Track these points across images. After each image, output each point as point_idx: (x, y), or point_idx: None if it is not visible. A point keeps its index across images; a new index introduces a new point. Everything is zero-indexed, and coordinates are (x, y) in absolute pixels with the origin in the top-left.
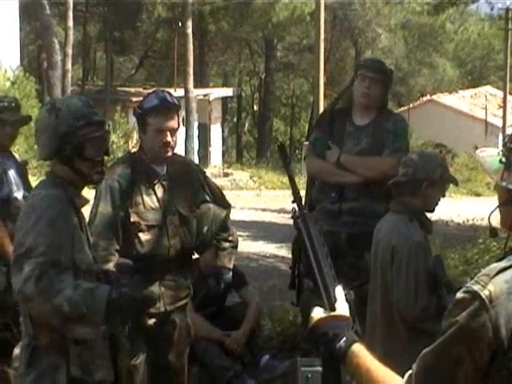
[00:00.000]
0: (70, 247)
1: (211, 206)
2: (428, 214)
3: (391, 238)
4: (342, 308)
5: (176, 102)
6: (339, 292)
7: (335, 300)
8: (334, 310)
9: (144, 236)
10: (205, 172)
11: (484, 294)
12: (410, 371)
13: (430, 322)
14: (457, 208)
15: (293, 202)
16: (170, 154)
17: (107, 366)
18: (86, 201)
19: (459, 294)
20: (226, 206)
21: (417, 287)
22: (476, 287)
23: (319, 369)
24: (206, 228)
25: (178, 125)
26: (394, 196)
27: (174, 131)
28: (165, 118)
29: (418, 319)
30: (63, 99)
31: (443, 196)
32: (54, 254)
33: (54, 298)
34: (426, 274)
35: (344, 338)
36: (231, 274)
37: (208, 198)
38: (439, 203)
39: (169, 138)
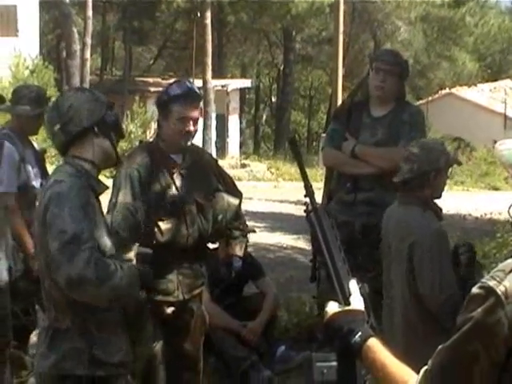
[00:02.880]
0: (96, 233)
1: (224, 194)
2: (445, 208)
3: (411, 231)
4: (357, 302)
5: (198, 91)
6: (353, 286)
7: (349, 294)
8: (348, 304)
9: (164, 225)
10: (217, 161)
11: (500, 289)
12: (425, 367)
13: (454, 313)
14: (475, 202)
15: (305, 196)
16: (189, 142)
17: (127, 347)
18: (105, 187)
19: (474, 290)
20: (238, 195)
21: (442, 274)
22: (491, 283)
23: (334, 364)
24: (220, 216)
25: (200, 115)
26: (403, 191)
27: (196, 121)
28: (189, 106)
29: (443, 307)
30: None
31: (448, 177)
32: (95, 240)
33: (110, 280)
34: (449, 262)
35: (359, 333)
36: (241, 262)
37: (220, 186)
38: (458, 198)
39: (191, 127)
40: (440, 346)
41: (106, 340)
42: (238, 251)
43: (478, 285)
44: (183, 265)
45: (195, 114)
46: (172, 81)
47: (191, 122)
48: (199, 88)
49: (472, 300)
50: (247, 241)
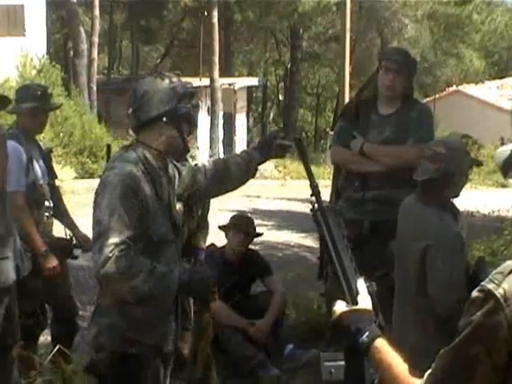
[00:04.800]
0: (142, 221)
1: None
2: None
3: (425, 234)
4: (365, 301)
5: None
6: (361, 285)
7: (357, 293)
8: (356, 303)
9: None
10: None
11: (498, 292)
12: (428, 371)
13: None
14: (482, 199)
15: (311, 195)
16: None
17: (166, 332)
18: (163, 175)
19: (474, 293)
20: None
21: (452, 277)
22: (490, 286)
23: (342, 363)
24: (199, 212)
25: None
26: (423, 189)
27: None
28: None
29: (451, 311)
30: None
31: (467, 178)
32: (130, 231)
33: (131, 280)
34: (464, 267)
35: (367, 333)
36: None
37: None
38: (465, 196)
39: None
40: (442, 350)
41: (143, 321)
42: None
43: (478, 288)
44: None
45: None
46: None
47: None
48: (206, 87)
49: (472, 304)
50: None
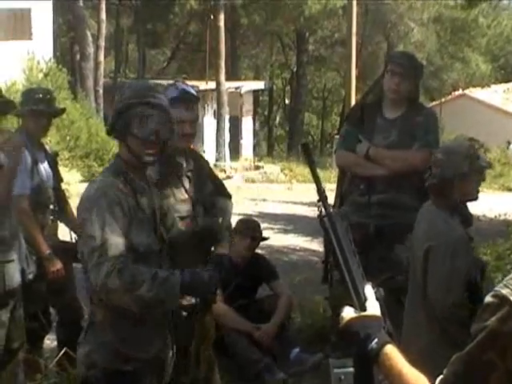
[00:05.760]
0: (127, 232)
1: (219, 198)
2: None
3: (429, 235)
4: (373, 307)
5: (195, 93)
6: (369, 290)
7: (365, 299)
8: (364, 309)
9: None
10: (209, 163)
11: None
12: (440, 376)
13: (457, 324)
14: (489, 203)
15: (318, 200)
16: (189, 144)
17: (162, 343)
18: (144, 188)
19: (488, 298)
20: (230, 197)
21: (450, 279)
22: (505, 291)
23: (351, 370)
24: (220, 219)
25: (197, 116)
26: (433, 194)
27: (193, 122)
28: (184, 109)
29: (446, 314)
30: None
31: (483, 180)
32: (123, 241)
33: (136, 290)
34: (464, 271)
35: (376, 339)
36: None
37: (213, 189)
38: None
39: (188, 130)
40: (454, 356)
41: (138, 336)
42: (224, 250)
43: (492, 293)
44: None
45: (191, 116)
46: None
47: (188, 125)
48: (212, 90)
49: (486, 309)
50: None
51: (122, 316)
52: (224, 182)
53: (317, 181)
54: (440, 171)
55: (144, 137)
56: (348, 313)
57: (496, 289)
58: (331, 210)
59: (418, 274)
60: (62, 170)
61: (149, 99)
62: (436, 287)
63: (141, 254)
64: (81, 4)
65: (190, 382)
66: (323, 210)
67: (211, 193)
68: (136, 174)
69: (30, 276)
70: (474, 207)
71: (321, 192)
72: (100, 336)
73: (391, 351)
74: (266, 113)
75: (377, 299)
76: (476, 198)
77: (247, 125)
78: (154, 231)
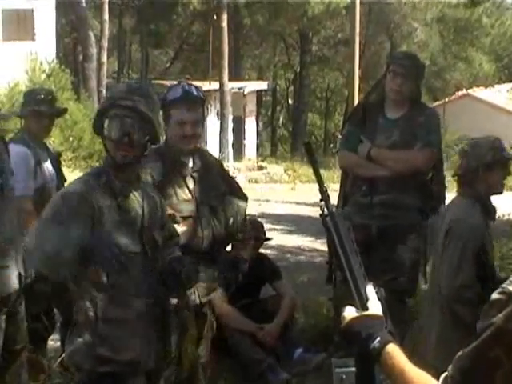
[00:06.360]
0: (95, 230)
1: (233, 198)
2: None
3: (449, 220)
4: (375, 307)
5: (200, 94)
6: (370, 290)
7: (367, 299)
8: (365, 309)
9: (180, 228)
10: (222, 164)
11: None
12: (445, 373)
13: (464, 305)
14: (493, 202)
15: (320, 200)
16: (191, 146)
17: (142, 348)
18: (125, 191)
19: (494, 295)
20: (245, 199)
21: (460, 263)
22: None
23: (353, 369)
24: (231, 220)
25: (203, 117)
26: (459, 185)
27: (195, 124)
28: (186, 110)
29: (453, 295)
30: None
31: (509, 174)
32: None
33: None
34: (474, 256)
35: (378, 338)
36: (247, 264)
37: (226, 190)
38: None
39: (189, 131)
40: (460, 352)
41: (117, 338)
42: (244, 253)
43: (498, 290)
44: (199, 268)
45: (194, 116)
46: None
47: (189, 126)
48: (216, 90)
49: (492, 305)
50: (261, 244)
51: (98, 318)
52: None
53: (319, 180)
54: (465, 162)
55: (116, 138)
56: (350, 312)
57: (503, 286)
58: (334, 209)
59: (437, 261)
60: (65, 171)
61: (124, 102)
62: (447, 269)
63: (117, 254)
64: (83, 4)
65: (174, 381)
66: (325, 209)
67: (224, 193)
68: (118, 174)
69: (28, 280)
70: None
71: (323, 191)
72: (80, 337)
73: (393, 350)
74: (269, 113)
75: (378, 299)
76: (501, 192)
77: (250, 125)
78: (139, 233)
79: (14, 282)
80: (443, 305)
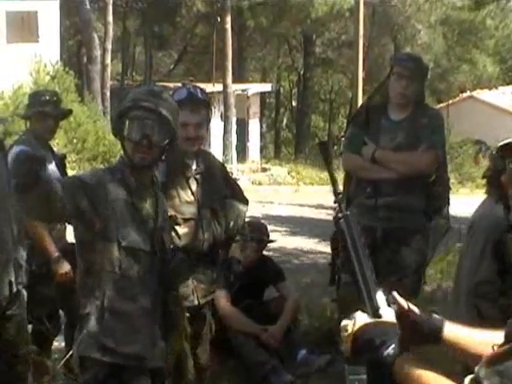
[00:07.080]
0: (105, 219)
1: (234, 201)
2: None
3: (473, 216)
4: (388, 314)
5: (204, 96)
6: (380, 297)
7: (378, 306)
8: (377, 315)
9: (181, 229)
10: (225, 167)
11: None
12: (470, 376)
13: (484, 300)
14: None
15: (334, 202)
16: (194, 147)
17: (146, 343)
18: (147, 188)
19: None
20: (245, 202)
21: (481, 257)
22: None
23: (365, 377)
24: (232, 223)
25: (207, 119)
26: (489, 186)
27: (199, 126)
28: (189, 112)
29: (472, 289)
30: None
31: None
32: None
33: None
34: (494, 249)
35: (392, 345)
36: (240, 264)
37: (228, 193)
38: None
39: (192, 133)
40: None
41: (121, 331)
42: (238, 254)
43: None
44: (198, 270)
45: (197, 119)
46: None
47: (192, 128)
48: (219, 92)
49: None
50: (264, 246)
51: (105, 310)
52: None
53: (333, 181)
54: (493, 163)
55: (135, 140)
56: (361, 318)
57: None
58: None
59: (462, 260)
60: (70, 173)
61: (144, 103)
62: (470, 262)
63: (125, 248)
64: (87, 7)
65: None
66: (339, 211)
67: (226, 196)
68: (133, 175)
69: (20, 287)
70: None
71: (337, 193)
72: (87, 328)
73: (407, 357)
74: (272, 115)
75: (388, 305)
76: None
77: (254, 127)
78: (151, 233)
79: (4, 290)
80: (467, 302)
